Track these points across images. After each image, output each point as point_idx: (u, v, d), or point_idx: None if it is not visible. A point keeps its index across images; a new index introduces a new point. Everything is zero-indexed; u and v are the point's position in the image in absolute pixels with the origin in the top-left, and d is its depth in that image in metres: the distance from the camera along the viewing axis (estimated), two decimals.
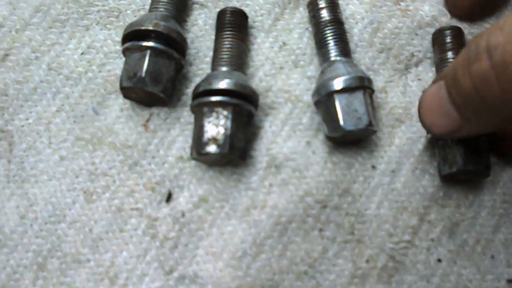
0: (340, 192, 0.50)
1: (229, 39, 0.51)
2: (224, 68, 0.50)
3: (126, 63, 0.50)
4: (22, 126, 0.52)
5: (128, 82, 0.49)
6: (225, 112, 0.47)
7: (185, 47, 0.51)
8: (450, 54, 0.51)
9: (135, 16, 0.54)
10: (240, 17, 0.52)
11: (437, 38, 0.52)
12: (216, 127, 0.47)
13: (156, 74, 0.49)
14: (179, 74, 0.52)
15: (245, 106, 0.48)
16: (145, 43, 0.48)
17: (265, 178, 0.50)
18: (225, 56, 0.51)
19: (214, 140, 0.47)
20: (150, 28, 0.49)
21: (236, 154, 0.48)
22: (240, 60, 0.51)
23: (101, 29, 0.54)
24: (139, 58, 0.49)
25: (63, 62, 0.53)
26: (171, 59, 0.50)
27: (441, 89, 0.43)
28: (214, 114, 0.48)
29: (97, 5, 0.55)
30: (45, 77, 0.53)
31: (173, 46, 0.50)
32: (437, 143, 0.49)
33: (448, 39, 0.52)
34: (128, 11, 0.55)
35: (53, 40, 0.54)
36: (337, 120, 0.47)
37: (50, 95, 0.52)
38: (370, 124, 0.47)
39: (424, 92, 0.46)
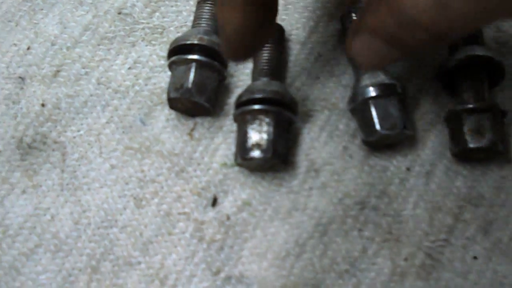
0: (377, 194, 0.53)
1: (268, 51, 0.54)
2: (264, 79, 0.53)
3: (172, 75, 0.53)
4: (74, 137, 0.55)
5: (176, 93, 0.52)
6: (267, 119, 0.50)
7: (227, 60, 0.54)
8: None
9: (178, 33, 0.58)
10: (278, 31, 0.55)
11: None
12: (259, 133, 0.50)
13: (201, 85, 0.52)
14: (221, 85, 0.55)
15: (285, 113, 0.51)
16: (190, 56, 0.52)
17: (305, 182, 0.53)
18: (265, 67, 0.54)
19: (257, 145, 0.50)
20: (195, 42, 0.52)
21: (278, 158, 0.50)
22: (278, 70, 0.54)
23: (146, 45, 0.57)
24: (185, 70, 0.52)
25: (111, 76, 0.56)
26: (214, 71, 0.53)
27: None
28: (257, 122, 0.50)
29: (142, 23, 0.58)
30: (94, 91, 0.56)
31: (216, 58, 0.53)
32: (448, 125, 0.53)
33: None
34: (171, 28, 0.58)
35: (102, 56, 0.57)
36: (373, 125, 0.50)
37: (99, 108, 0.55)
38: (405, 127, 0.50)
39: None
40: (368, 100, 0.51)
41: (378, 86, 0.50)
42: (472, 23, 0.33)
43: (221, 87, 0.55)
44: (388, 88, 0.50)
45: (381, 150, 0.54)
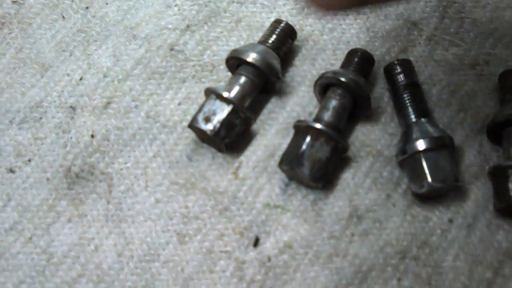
0: (418, 244, 0.53)
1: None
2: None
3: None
4: (121, 169, 0.56)
5: (192, 121, 0.54)
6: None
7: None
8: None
9: (228, 71, 0.58)
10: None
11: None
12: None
13: (210, 114, 0.53)
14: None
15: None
16: None
17: (347, 228, 0.53)
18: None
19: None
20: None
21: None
22: None
23: (196, 82, 0.58)
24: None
25: (160, 111, 0.57)
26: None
27: None
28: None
29: (193, 60, 0.59)
30: (143, 124, 0.57)
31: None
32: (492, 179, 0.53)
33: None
34: (221, 66, 0.59)
35: (152, 90, 0.58)
36: (425, 178, 0.50)
37: (147, 141, 0.56)
38: (456, 180, 0.51)
39: None
40: (419, 153, 0.51)
41: (428, 138, 0.51)
42: None
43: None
44: (437, 141, 0.51)
45: (424, 200, 0.54)
